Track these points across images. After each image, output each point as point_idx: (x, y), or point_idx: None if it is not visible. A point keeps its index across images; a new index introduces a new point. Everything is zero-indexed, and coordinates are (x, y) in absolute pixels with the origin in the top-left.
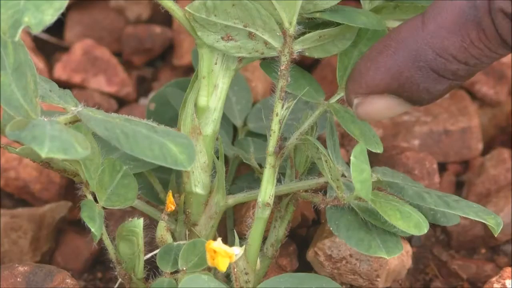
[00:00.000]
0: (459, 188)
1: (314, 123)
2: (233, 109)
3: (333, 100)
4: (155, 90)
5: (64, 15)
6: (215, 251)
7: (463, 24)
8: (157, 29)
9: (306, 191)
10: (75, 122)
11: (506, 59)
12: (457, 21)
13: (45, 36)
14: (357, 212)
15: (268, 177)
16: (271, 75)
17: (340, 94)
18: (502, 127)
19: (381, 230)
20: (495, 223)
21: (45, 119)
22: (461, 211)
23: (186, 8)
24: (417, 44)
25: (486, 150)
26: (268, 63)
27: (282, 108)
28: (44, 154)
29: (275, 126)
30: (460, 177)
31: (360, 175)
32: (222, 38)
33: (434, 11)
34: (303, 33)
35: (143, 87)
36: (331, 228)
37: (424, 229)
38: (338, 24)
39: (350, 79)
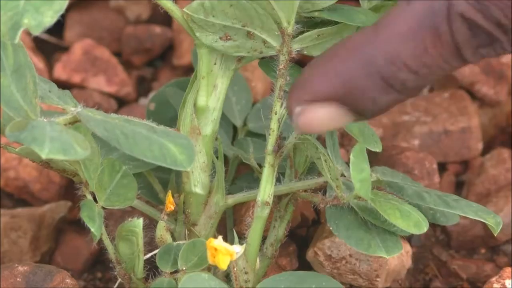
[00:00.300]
0: (459, 188)
1: None
2: (232, 109)
3: None
4: (155, 90)
5: (63, 15)
6: (216, 249)
7: (418, 30)
8: (157, 29)
9: (305, 190)
10: (74, 122)
11: (506, 59)
12: (412, 27)
13: (45, 36)
14: (356, 211)
15: (267, 176)
16: (270, 74)
17: None
18: (502, 127)
19: (380, 230)
20: (494, 222)
21: (45, 120)
22: (460, 211)
23: (184, 9)
24: (368, 51)
25: (486, 150)
26: (267, 62)
27: (281, 107)
28: (44, 155)
29: (274, 125)
30: (460, 177)
31: (360, 174)
32: (221, 38)
33: (389, 17)
34: (302, 32)
35: (143, 87)
36: (330, 228)
37: (424, 228)
38: (336, 23)
39: (294, 86)
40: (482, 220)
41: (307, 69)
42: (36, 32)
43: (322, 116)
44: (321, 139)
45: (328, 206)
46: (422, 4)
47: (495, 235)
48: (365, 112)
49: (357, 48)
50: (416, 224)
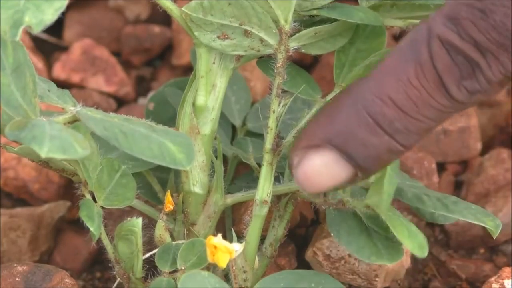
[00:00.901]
0: (458, 188)
1: None
2: (232, 109)
3: (330, 97)
4: (154, 90)
5: (63, 14)
6: (215, 247)
7: (401, 61)
8: (156, 28)
9: None
10: (73, 121)
11: None
12: (396, 58)
13: (44, 36)
14: (357, 216)
15: (265, 175)
16: (268, 72)
17: (337, 91)
18: (501, 127)
19: (383, 236)
20: (493, 225)
21: (44, 119)
22: (460, 215)
23: (183, 8)
24: (359, 90)
25: (485, 150)
26: (265, 61)
27: (279, 105)
28: (44, 154)
29: (272, 124)
30: (459, 177)
31: (392, 188)
32: (218, 37)
33: (380, 61)
34: (300, 31)
35: (142, 86)
36: (331, 234)
37: (425, 252)
38: (335, 21)
39: (295, 140)
40: (482, 224)
41: (309, 121)
42: (37, 30)
43: (318, 165)
44: None
45: (329, 209)
46: (408, 35)
47: (494, 238)
48: (356, 156)
49: (351, 89)
50: (420, 246)
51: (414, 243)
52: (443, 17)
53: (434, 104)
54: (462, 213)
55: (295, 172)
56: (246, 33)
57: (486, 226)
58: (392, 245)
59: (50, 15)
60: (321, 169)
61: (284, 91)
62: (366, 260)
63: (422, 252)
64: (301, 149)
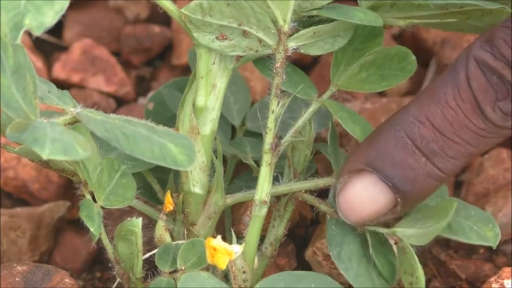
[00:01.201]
0: (458, 187)
1: (309, 121)
2: (231, 109)
3: (326, 95)
4: (154, 90)
5: (63, 14)
6: (215, 249)
7: (440, 85)
8: (156, 28)
9: (306, 192)
10: (74, 123)
11: None
12: (437, 84)
13: (44, 36)
14: (358, 237)
15: (264, 175)
16: (265, 72)
17: (332, 90)
18: None
19: (378, 271)
20: (493, 235)
21: (45, 121)
22: (464, 237)
23: (182, 10)
24: (399, 114)
25: None
26: (263, 61)
27: (278, 105)
28: (45, 156)
29: (271, 124)
30: (458, 177)
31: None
32: (217, 38)
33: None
34: (298, 31)
35: (142, 86)
36: (330, 253)
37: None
38: (333, 21)
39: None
40: (483, 244)
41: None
42: (38, 32)
43: (358, 189)
44: (320, 139)
45: (330, 222)
46: (454, 61)
47: (494, 248)
48: (396, 181)
49: (393, 115)
50: None
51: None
52: (481, 40)
53: (470, 126)
54: (466, 234)
55: (337, 199)
56: (245, 34)
57: (487, 244)
58: (385, 283)
59: (50, 18)
60: (361, 193)
61: (282, 91)
62: None
63: None
64: (343, 176)
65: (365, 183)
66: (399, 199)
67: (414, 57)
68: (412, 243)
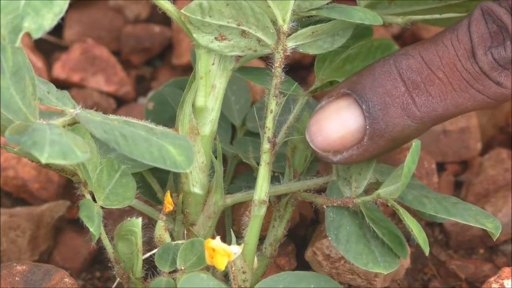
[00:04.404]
0: (458, 188)
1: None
2: (231, 109)
3: (311, 89)
4: (154, 90)
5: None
6: (213, 250)
7: (441, 32)
8: (156, 28)
9: (305, 191)
10: (73, 124)
11: None
12: (438, 33)
13: (44, 35)
14: (357, 221)
15: (263, 174)
16: (258, 82)
17: (317, 84)
18: (501, 127)
19: (379, 243)
20: (494, 227)
21: (44, 122)
22: (461, 218)
23: (182, 10)
24: (394, 52)
25: (484, 150)
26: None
27: (276, 105)
28: (44, 160)
29: (269, 123)
30: (458, 177)
31: (410, 172)
32: (216, 38)
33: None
34: (297, 30)
35: (142, 86)
36: (329, 238)
37: (428, 248)
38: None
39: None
40: (482, 227)
41: None
42: (37, 35)
43: (332, 111)
44: None
45: (328, 209)
46: None
47: (495, 239)
48: (370, 102)
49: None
50: (425, 242)
51: (421, 237)
52: None
53: (458, 65)
54: (463, 216)
55: (308, 122)
56: (244, 34)
57: (486, 228)
58: (389, 253)
59: (49, 20)
60: (332, 114)
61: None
62: (363, 267)
63: (426, 247)
64: (323, 100)
65: (339, 106)
66: (367, 127)
67: (397, 47)
68: (394, 197)
